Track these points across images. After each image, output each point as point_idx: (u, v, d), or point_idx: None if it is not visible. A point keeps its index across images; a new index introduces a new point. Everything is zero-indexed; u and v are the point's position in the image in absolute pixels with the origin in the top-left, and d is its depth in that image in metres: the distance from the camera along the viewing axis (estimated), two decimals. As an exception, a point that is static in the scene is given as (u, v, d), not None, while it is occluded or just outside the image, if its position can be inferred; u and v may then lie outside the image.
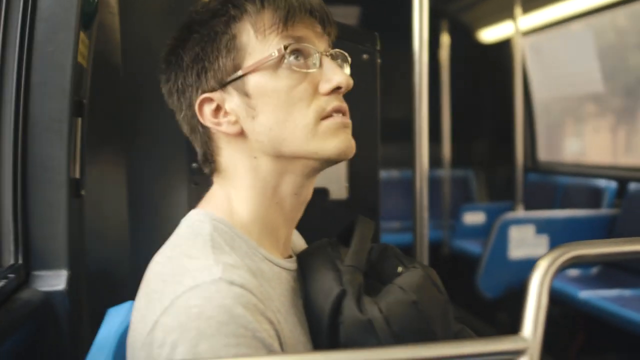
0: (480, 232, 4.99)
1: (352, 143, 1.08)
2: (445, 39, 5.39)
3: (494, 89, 5.88)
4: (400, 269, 1.14)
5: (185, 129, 1.16)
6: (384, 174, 5.65)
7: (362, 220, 1.23)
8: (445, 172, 5.56)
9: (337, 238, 1.24)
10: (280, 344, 0.96)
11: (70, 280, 1.41)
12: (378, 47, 1.78)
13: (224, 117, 1.08)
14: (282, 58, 1.04)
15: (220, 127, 1.08)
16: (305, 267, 1.14)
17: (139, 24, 1.71)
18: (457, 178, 6.05)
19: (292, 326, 1.04)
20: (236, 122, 1.07)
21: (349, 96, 1.70)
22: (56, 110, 1.39)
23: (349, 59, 1.16)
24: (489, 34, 5.70)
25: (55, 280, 1.40)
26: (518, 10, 4.46)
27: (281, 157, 1.07)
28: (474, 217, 5.22)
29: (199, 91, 1.09)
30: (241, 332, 0.87)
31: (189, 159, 1.64)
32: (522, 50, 4.65)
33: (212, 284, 0.90)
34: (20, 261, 1.38)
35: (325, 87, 1.05)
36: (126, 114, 1.70)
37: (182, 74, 1.11)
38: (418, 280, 1.06)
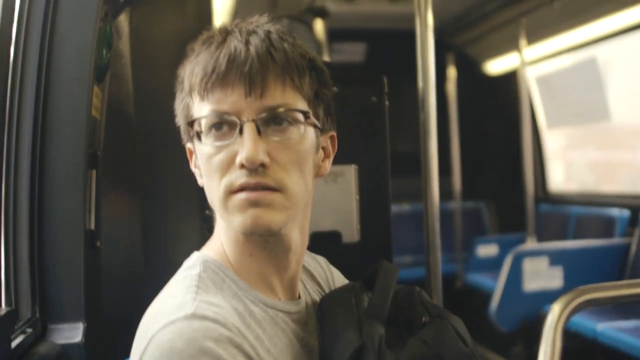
0: (494, 265, 4.96)
1: (264, 219, 0.99)
2: (451, 72, 5.43)
3: (502, 120, 5.89)
4: (425, 318, 1.12)
5: None
6: (395, 207, 5.64)
7: (385, 267, 1.20)
8: (456, 205, 5.55)
9: (363, 281, 1.22)
10: None
11: (87, 333, 1.42)
12: (386, 90, 1.79)
13: (196, 169, 1.10)
14: (207, 127, 1.01)
15: (196, 177, 1.11)
16: (324, 313, 1.14)
17: (150, 74, 1.74)
18: (468, 210, 6.03)
19: None
20: (200, 175, 1.08)
21: (359, 139, 1.73)
22: (71, 164, 1.42)
23: (295, 114, 1.03)
24: (495, 66, 5.74)
25: (71, 333, 1.41)
26: (523, 41, 4.49)
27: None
28: (487, 250, 5.19)
29: (184, 141, 1.12)
30: None
31: (202, 205, 1.65)
32: (528, 81, 4.67)
33: (185, 319, 0.92)
34: (37, 314, 1.39)
35: (236, 161, 0.99)
36: (140, 163, 1.72)
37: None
38: (442, 333, 1.05)
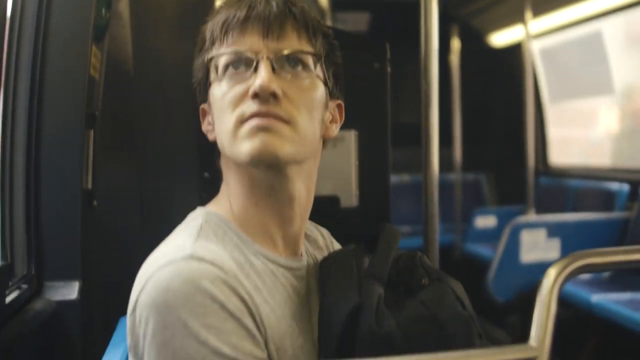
0: (492, 236, 4.97)
1: (272, 145, 1.02)
2: (455, 44, 5.39)
3: (505, 93, 5.86)
4: (424, 281, 1.13)
5: None
6: (395, 178, 5.65)
7: (388, 229, 1.23)
8: (456, 176, 5.55)
9: (365, 244, 1.23)
10: (260, 328, 0.99)
11: (83, 291, 1.43)
12: (388, 56, 1.78)
13: (209, 126, 1.14)
14: (224, 67, 1.06)
15: (208, 135, 1.15)
16: (324, 273, 1.15)
17: (150, 34, 1.73)
18: (468, 182, 6.03)
19: (280, 319, 1.05)
20: (213, 129, 1.12)
21: (359, 105, 1.72)
22: (69, 123, 1.42)
23: (311, 61, 1.10)
24: (500, 38, 5.69)
25: (67, 291, 1.42)
26: (528, 14, 4.45)
27: (235, 161, 1.09)
28: (485, 221, 5.20)
29: (199, 102, 1.17)
30: (208, 303, 0.91)
31: (201, 167, 1.65)
32: (532, 54, 4.64)
33: (182, 260, 0.95)
34: (33, 271, 1.40)
35: (249, 92, 1.03)
36: (139, 124, 1.71)
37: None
38: (441, 295, 1.07)
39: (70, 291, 1.42)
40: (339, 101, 1.21)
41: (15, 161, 1.39)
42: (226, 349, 0.92)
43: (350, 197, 1.73)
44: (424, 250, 1.99)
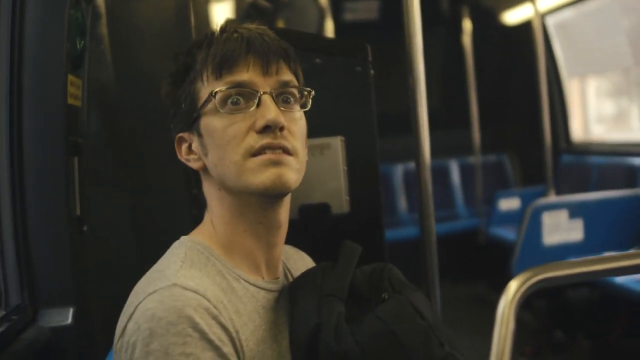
0: (517, 218, 4.92)
1: (284, 177, 1.09)
2: (467, 25, 5.32)
3: (522, 71, 5.78)
4: (384, 295, 1.16)
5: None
6: (403, 166, 5.63)
7: (347, 246, 1.25)
8: (476, 159, 5.49)
9: (333, 261, 1.25)
10: (239, 352, 1.04)
11: (77, 316, 1.46)
12: (370, 59, 1.77)
13: (191, 155, 1.18)
14: (223, 101, 1.10)
15: (189, 163, 1.19)
16: (292, 294, 1.19)
17: (131, 56, 1.74)
18: (491, 163, 5.97)
19: (259, 341, 1.10)
20: (199, 158, 1.16)
21: (344, 110, 1.72)
22: (50, 153, 1.45)
23: (304, 92, 1.18)
24: (512, 16, 5.60)
25: (61, 317, 1.45)
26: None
27: (232, 191, 1.13)
28: (509, 203, 5.15)
29: (176, 130, 1.21)
30: (188, 332, 0.96)
31: (189, 186, 1.67)
32: (545, 30, 4.55)
33: (167, 288, 1.00)
34: (27, 300, 1.44)
35: (257, 125, 1.09)
36: (126, 146, 1.74)
37: (169, 115, 1.23)
38: (397, 309, 1.08)
39: (64, 317, 1.45)
40: None
41: (0, 192, 1.43)
42: None
43: (341, 203, 1.72)
44: (421, 247, 1.96)
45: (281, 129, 1.09)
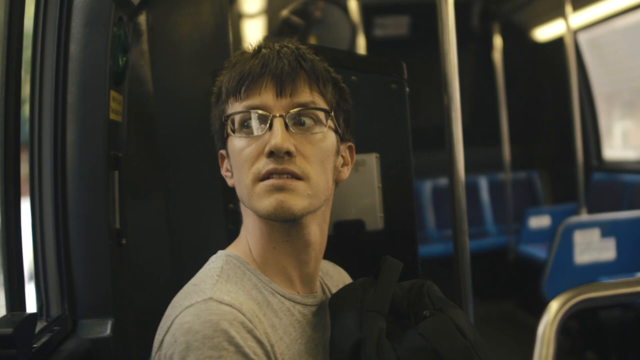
0: (547, 236, 4.87)
1: (287, 204, 1.09)
2: (497, 41, 5.31)
3: (554, 88, 5.74)
4: (426, 312, 1.16)
5: None
6: (432, 182, 5.61)
7: (388, 262, 1.26)
8: (506, 176, 5.46)
9: (373, 277, 1.26)
10: None
11: (115, 327, 1.48)
12: (405, 76, 1.77)
13: (227, 172, 1.22)
14: (238, 124, 1.14)
15: (226, 179, 1.23)
16: (332, 308, 1.20)
17: (169, 73, 1.77)
18: (521, 180, 5.93)
19: (295, 355, 1.12)
20: (232, 177, 1.20)
21: (379, 127, 1.73)
22: (92, 166, 1.47)
23: (322, 115, 1.16)
24: (544, 33, 5.58)
25: (100, 328, 1.47)
26: (569, 7, 4.34)
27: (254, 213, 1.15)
28: (539, 221, 5.10)
29: (217, 147, 1.25)
30: (224, 346, 0.97)
31: (226, 201, 1.69)
32: (577, 47, 4.52)
33: (204, 302, 1.02)
34: (67, 312, 1.46)
35: (265, 150, 1.10)
36: (164, 161, 1.76)
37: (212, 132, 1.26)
38: (439, 326, 1.09)
39: (104, 329, 1.47)
40: (350, 143, 1.28)
41: (44, 205, 1.46)
42: None
43: (375, 220, 1.73)
44: (454, 264, 1.95)
45: (289, 154, 1.09)
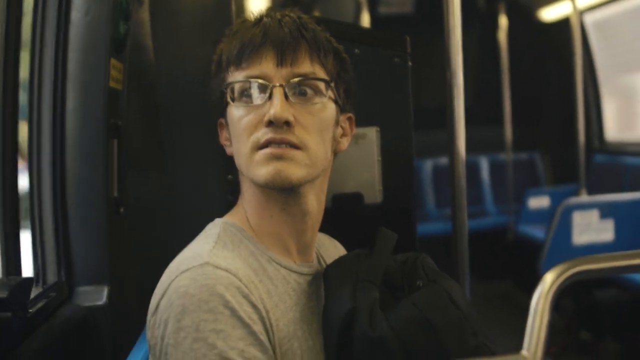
0: (546, 217, 4.87)
1: (284, 172, 1.10)
2: (503, 21, 5.27)
3: (558, 69, 5.71)
4: (419, 283, 1.17)
5: None
6: (433, 161, 5.61)
7: (382, 233, 1.26)
8: (507, 156, 5.45)
9: (369, 248, 1.27)
10: (269, 332, 1.06)
11: (112, 295, 1.49)
12: (408, 50, 1.76)
13: (226, 140, 1.22)
14: (238, 93, 1.14)
15: (226, 149, 1.23)
16: (326, 279, 1.21)
17: (171, 40, 1.76)
18: (522, 161, 5.92)
19: (290, 322, 1.12)
20: (230, 145, 1.20)
21: (381, 101, 1.72)
22: (91, 134, 1.47)
23: (322, 85, 1.16)
24: (549, 13, 5.54)
25: (96, 295, 1.48)
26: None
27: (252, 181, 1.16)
28: (538, 202, 5.10)
29: (217, 115, 1.24)
30: (219, 309, 0.98)
31: (226, 171, 1.69)
32: (582, 28, 4.49)
33: (200, 267, 1.03)
34: (63, 278, 1.47)
35: (264, 119, 1.10)
36: (164, 130, 1.76)
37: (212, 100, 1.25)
38: (432, 296, 1.09)
39: (99, 296, 1.48)
40: (350, 114, 1.28)
41: (42, 173, 1.46)
42: (233, 354, 0.97)
43: (374, 193, 1.73)
44: (452, 241, 1.95)
45: (287, 123, 1.09)
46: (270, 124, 1.09)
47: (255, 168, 1.11)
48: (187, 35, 1.77)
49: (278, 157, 1.09)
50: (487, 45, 5.59)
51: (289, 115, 1.09)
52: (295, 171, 1.10)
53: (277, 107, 1.08)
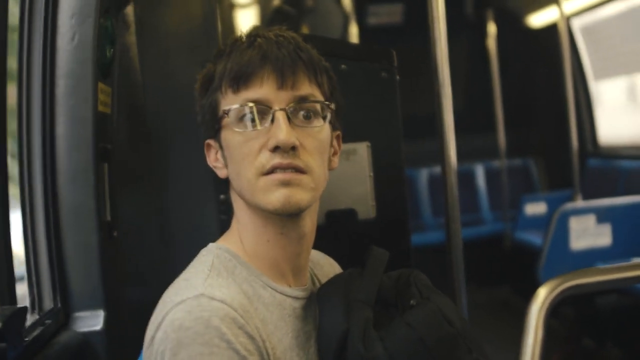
0: (543, 223, 4.87)
1: (294, 198, 1.08)
2: (491, 28, 5.30)
3: (548, 74, 5.73)
4: (413, 302, 1.16)
5: None
6: (428, 170, 5.62)
7: (374, 252, 1.25)
8: (501, 163, 5.46)
9: (361, 267, 1.26)
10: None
11: (108, 320, 1.48)
12: (395, 64, 1.77)
13: (217, 162, 1.19)
14: (237, 118, 1.10)
15: (216, 170, 1.20)
16: (320, 300, 1.20)
17: (158, 64, 1.77)
18: (517, 167, 5.93)
19: (286, 349, 1.11)
20: (224, 167, 1.17)
21: (370, 116, 1.72)
22: (82, 159, 1.47)
23: (320, 107, 1.14)
24: (537, 19, 5.57)
25: (93, 321, 1.48)
26: (561, -7, 4.33)
27: (250, 204, 1.14)
28: (535, 208, 5.10)
29: (204, 136, 1.22)
30: (215, 342, 0.97)
31: (217, 192, 1.68)
32: (570, 33, 4.51)
33: (195, 299, 1.01)
34: (59, 304, 1.46)
35: (268, 144, 1.08)
36: (154, 153, 1.76)
37: (198, 121, 1.23)
38: (425, 315, 1.08)
39: (96, 322, 1.48)
40: (338, 132, 1.26)
41: (34, 199, 1.46)
42: None
43: (367, 209, 1.73)
44: (447, 252, 1.95)
45: (294, 148, 1.08)
46: (277, 149, 1.07)
47: (262, 194, 1.09)
48: (174, 56, 1.78)
49: (286, 184, 1.07)
50: (477, 52, 5.62)
51: (295, 139, 1.07)
52: (303, 196, 1.09)
53: (283, 132, 1.06)
